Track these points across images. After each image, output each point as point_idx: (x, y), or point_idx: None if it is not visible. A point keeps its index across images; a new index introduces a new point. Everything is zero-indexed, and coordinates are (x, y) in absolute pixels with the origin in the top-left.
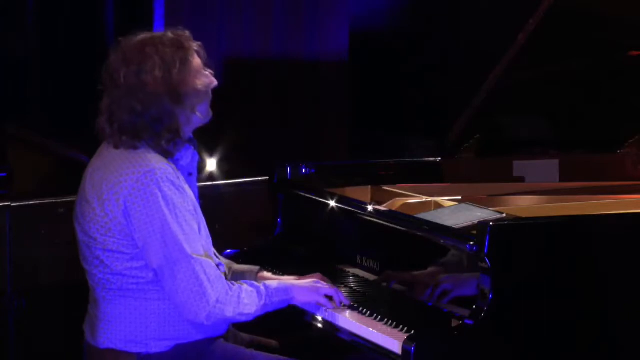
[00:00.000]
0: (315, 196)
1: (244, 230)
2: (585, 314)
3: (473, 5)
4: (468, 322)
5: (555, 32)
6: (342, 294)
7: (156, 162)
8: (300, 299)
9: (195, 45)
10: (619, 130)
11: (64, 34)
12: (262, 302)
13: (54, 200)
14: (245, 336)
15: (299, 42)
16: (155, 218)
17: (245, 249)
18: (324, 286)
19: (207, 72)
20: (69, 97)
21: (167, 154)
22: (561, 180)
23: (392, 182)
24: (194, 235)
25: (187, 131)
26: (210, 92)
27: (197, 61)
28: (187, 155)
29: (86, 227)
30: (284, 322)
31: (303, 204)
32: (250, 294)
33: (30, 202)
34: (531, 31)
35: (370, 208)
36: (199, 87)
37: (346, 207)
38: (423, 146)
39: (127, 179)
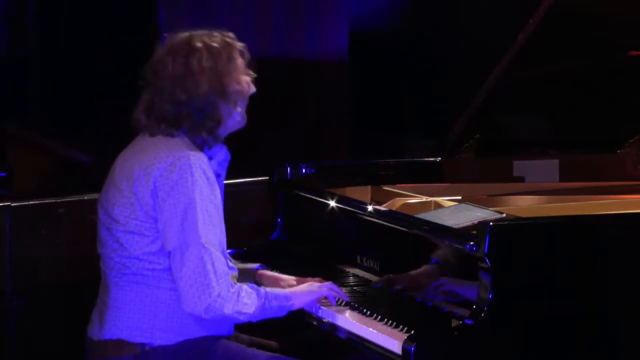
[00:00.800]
0: (315, 196)
1: (244, 230)
2: (585, 314)
3: (473, 5)
4: (468, 322)
5: (555, 32)
6: (341, 291)
7: (191, 150)
8: (300, 303)
9: (240, 46)
10: (619, 130)
11: (64, 34)
12: (261, 304)
13: (54, 200)
14: (245, 337)
15: (299, 42)
16: (181, 201)
17: (245, 249)
18: (321, 285)
19: (249, 74)
20: (69, 97)
21: (204, 145)
22: (561, 180)
23: (392, 182)
24: (212, 227)
25: (224, 131)
26: (247, 97)
27: (241, 60)
28: (221, 154)
29: (110, 209)
30: (284, 323)
31: (303, 204)
32: (250, 295)
33: (30, 202)
34: (531, 31)
35: (370, 208)
36: (243, 83)
37: (346, 207)
38: (423, 146)
39: (160, 161)
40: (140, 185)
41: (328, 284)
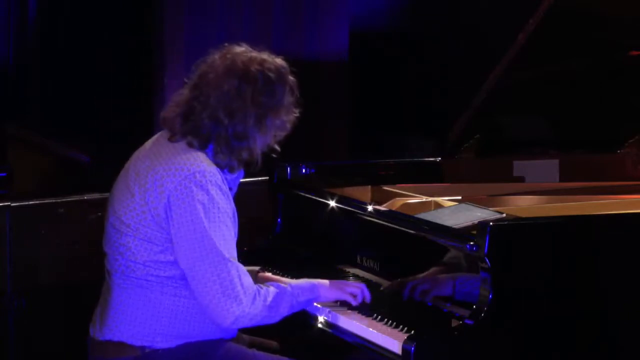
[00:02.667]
0: (315, 196)
1: (243, 230)
2: (585, 313)
3: (473, 5)
4: (468, 322)
5: (555, 32)
6: (367, 291)
7: (207, 164)
8: (326, 296)
9: (292, 81)
10: (619, 130)
11: (64, 34)
12: (289, 303)
13: (54, 200)
14: (245, 337)
15: (299, 42)
16: (197, 219)
17: (245, 249)
18: (350, 284)
19: (294, 113)
20: (69, 97)
21: (228, 169)
22: (561, 180)
23: (392, 182)
24: (232, 240)
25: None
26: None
27: (291, 99)
28: (236, 171)
29: (120, 212)
30: (284, 323)
31: (303, 204)
32: (277, 297)
33: (30, 202)
34: (531, 31)
35: (370, 208)
36: (286, 123)
37: (346, 207)
38: (423, 146)
39: (175, 174)
40: (152, 195)
41: (359, 286)
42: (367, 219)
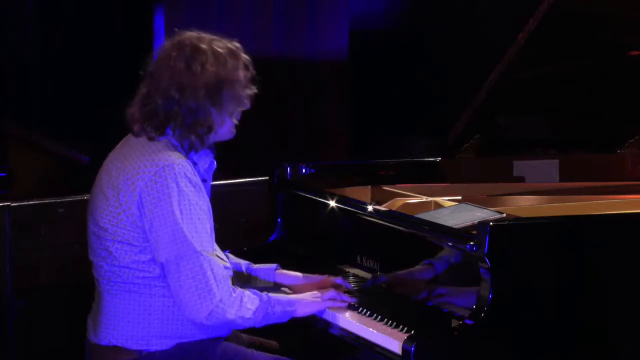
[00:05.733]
0: (315, 196)
1: (244, 230)
2: (585, 314)
3: (473, 6)
4: (468, 322)
5: (555, 32)
6: (344, 295)
7: (176, 157)
8: (303, 312)
9: (245, 59)
10: (619, 130)
11: (64, 34)
12: (264, 310)
13: (54, 200)
14: (244, 337)
15: (299, 42)
16: (169, 212)
17: (245, 249)
18: (324, 292)
19: (250, 89)
20: (69, 98)
21: (190, 149)
22: (561, 180)
23: (392, 182)
24: (205, 234)
25: (213, 138)
26: (240, 112)
27: (244, 73)
28: (206, 161)
29: (98, 217)
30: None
31: (303, 204)
32: (253, 300)
33: (30, 202)
34: (531, 31)
35: (370, 208)
36: (241, 97)
37: (346, 207)
38: (423, 146)
39: (145, 170)
40: (125, 196)
41: (329, 293)
42: (367, 219)
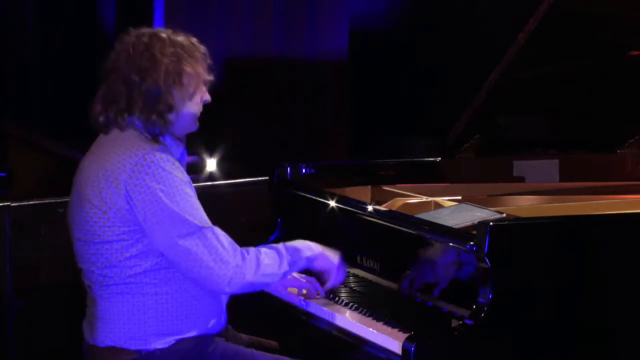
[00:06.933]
0: (315, 196)
1: (244, 230)
2: (586, 313)
3: (473, 6)
4: (468, 322)
5: (555, 32)
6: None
7: (151, 146)
8: (320, 261)
9: (203, 49)
10: (619, 130)
11: (64, 34)
12: (284, 259)
13: (54, 200)
14: (244, 336)
15: (299, 42)
16: (160, 197)
17: None
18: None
19: (208, 77)
20: (69, 97)
21: (157, 133)
22: (561, 180)
23: (392, 182)
24: (199, 207)
25: (177, 122)
26: (201, 104)
27: (202, 61)
28: (177, 151)
29: (83, 222)
30: (284, 322)
31: (303, 204)
32: (270, 254)
33: (30, 202)
34: (531, 31)
35: (370, 208)
36: (200, 81)
37: (346, 207)
38: (423, 146)
39: (125, 163)
40: (110, 193)
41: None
42: (367, 219)
